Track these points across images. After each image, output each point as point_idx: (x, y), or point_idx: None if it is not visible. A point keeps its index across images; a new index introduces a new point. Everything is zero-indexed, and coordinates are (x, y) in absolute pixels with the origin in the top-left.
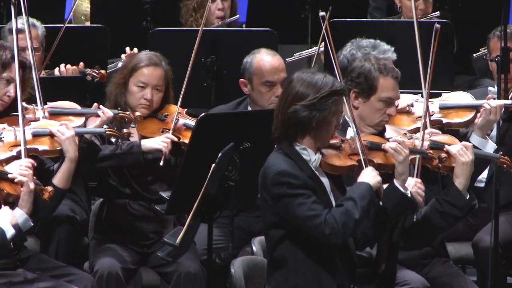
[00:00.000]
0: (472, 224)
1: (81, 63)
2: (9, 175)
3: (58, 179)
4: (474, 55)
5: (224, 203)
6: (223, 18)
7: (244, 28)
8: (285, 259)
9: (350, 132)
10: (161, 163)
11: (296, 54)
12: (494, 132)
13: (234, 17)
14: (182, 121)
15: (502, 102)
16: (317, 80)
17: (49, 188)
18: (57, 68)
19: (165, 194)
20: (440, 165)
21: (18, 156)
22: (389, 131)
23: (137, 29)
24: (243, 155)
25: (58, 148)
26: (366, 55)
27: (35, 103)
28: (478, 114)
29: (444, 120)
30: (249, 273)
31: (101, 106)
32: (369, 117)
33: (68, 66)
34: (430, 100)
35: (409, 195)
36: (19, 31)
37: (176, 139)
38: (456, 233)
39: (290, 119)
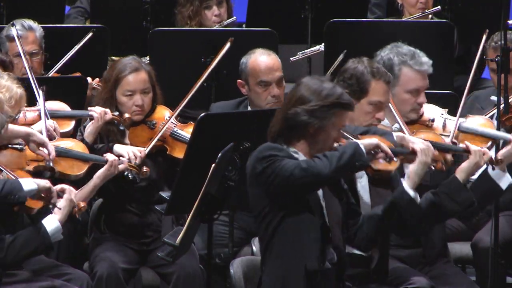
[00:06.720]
0: (471, 224)
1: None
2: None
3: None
4: None
5: (224, 203)
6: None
7: (244, 28)
8: (276, 247)
9: None
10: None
11: (300, 53)
12: None
13: (231, 19)
14: (169, 130)
15: None
16: (324, 88)
17: (81, 204)
18: None
19: (165, 194)
20: (444, 167)
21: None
22: None
23: (137, 29)
24: (243, 155)
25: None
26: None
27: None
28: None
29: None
30: (248, 273)
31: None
32: (358, 119)
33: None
34: (448, 118)
35: (418, 199)
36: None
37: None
38: (456, 233)
39: (289, 120)
